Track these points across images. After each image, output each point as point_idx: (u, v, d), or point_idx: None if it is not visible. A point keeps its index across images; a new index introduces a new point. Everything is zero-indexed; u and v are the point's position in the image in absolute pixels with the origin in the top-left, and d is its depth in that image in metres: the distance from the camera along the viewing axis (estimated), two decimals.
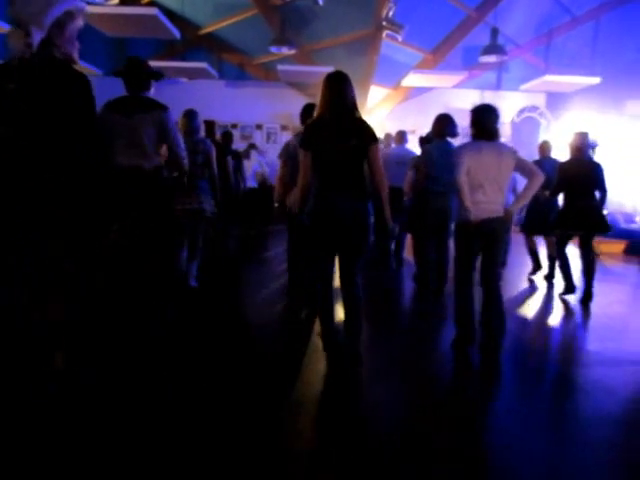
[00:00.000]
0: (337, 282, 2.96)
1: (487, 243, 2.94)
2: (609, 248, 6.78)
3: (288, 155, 3.85)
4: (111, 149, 2.92)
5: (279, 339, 3.33)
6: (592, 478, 1.88)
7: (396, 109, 10.47)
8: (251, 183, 7.80)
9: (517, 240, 5.63)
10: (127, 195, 2.87)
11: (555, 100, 10.02)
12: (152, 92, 3.20)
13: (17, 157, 1.92)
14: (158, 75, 3.24)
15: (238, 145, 8.74)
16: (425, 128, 4.65)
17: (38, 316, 2.04)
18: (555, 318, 3.96)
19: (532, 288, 4.90)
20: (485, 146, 2.91)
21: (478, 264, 3.01)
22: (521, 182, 3.63)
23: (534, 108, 10.14)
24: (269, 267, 5.93)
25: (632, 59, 7.94)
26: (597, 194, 4.30)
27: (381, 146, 6.86)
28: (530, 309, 4.22)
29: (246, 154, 8.10)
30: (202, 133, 4.22)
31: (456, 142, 4.08)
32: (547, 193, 4.54)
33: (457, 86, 9.38)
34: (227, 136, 6.32)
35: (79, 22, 2.00)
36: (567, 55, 8.88)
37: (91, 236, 2.08)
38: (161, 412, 2.21)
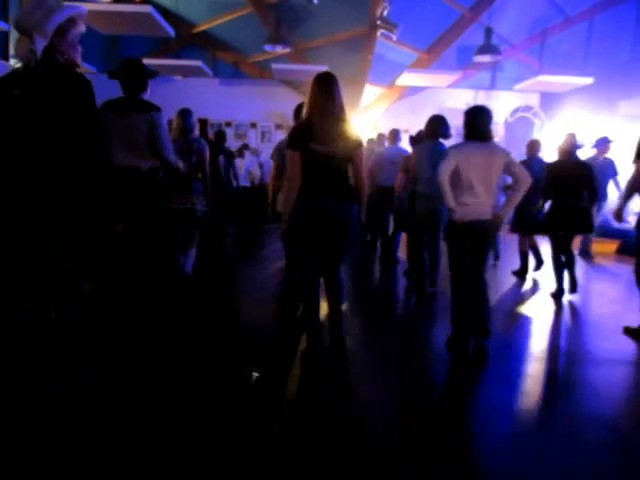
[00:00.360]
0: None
1: (476, 244, 2.96)
2: (602, 248, 6.83)
3: (279, 156, 3.83)
4: (110, 150, 2.93)
5: (275, 336, 3.33)
6: (586, 477, 1.90)
7: (390, 108, 10.48)
8: (244, 182, 7.81)
9: (511, 239, 5.68)
10: (126, 195, 2.89)
11: (549, 100, 10.07)
12: (148, 92, 3.22)
13: (18, 158, 1.97)
14: (154, 74, 3.27)
15: (232, 144, 8.72)
16: (419, 127, 4.66)
17: (38, 315, 2.05)
18: (547, 317, 3.98)
19: (520, 286, 4.96)
20: (477, 147, 2.93)
21: None
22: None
23: (528, 108, 10.19)
24: (264, 265, 5.97)
25: (625, 60, 8.00)
26: (586, 195, 4.33)
27: (374, 146, 6.90)
28: (521, 308, 4.25)
29: (239, 153, 8.10)
30: (197, 132, 4.22)
31: (449, 143, 4.07)
32: (540, 204, 4.58)
33: (451, 86, 9.40)
34: (220, 135, 6.31)
35: (81, 27, 2.07)
36: (560, 55, 8.93)
37: (91, 236, 2.12)
38: (160, 412, 2.21)
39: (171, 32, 6.21)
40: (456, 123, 3.28)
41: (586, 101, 8.49)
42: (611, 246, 7.00)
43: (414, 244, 4.45)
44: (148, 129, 3.05)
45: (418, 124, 4.56)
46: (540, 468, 1.93)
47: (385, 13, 7.24)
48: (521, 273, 5.31)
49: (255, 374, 2.57)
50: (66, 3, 2.08)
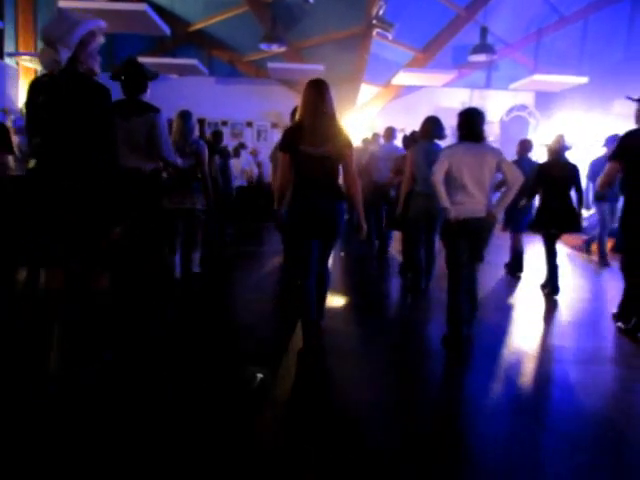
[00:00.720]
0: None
1: (472, 242, 3.07)
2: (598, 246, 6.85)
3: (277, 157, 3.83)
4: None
5: (272, 332, 3.40)
6: (578, 472, 1.92)
7: (386, 107, 10.49)
8: (240, 182, 7.83)
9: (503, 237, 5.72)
10: (129, 196, 2.95)
11: (544, 99, 10.11)
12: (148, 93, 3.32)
13: (41, 165, 2.14)
14: (154, 76, 3.35)
15: (228, 143, 8.70)
16: (415, 127, 4.68)
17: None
18: (536, 316, 4.01)
19: (510, 284, 5.04)
20: (470, 147, 3.02)
21: None
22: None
23: (523, 107, 10.23)
24: (262, 262, 6.04)
25: (619, 59, 8.04)
26: (574, 194, 4.46)
27: (369, 146, 6.93)
28: (512, 306, 4.27)
29: (235, 153, 8.10)
30: (196, 133, 4.31)
31: (444, 143, 4.14)
32: (523, 202, 4.70)
33: (447, 85, 9.43)
34: (217, 135, 6.35)
35: (100, 39, 2.22)
36: (555, 55, 8.97)
37: (96, 237, 2.23)
38: (160, 411, 2.21)
39: (167, 30, 6.19)
40: (452, 123, 3.32)
41: (581, 100, 8.53)
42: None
43: (409, 242, 4.52)
44: (147, 130, 3.12)
45: (414, 123, 4.59)
46: (537, 467, 1.95)
47: (381, 12, 7.24)
48: (515, 270, 5.34)
49: (260, 375, 2.59)
50: (82, 14, 2.24)
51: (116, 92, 3.08)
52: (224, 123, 10.43)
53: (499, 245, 5.57)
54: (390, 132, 6.09)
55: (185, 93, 9.30)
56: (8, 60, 8.92)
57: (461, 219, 2.97)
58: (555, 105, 9.57)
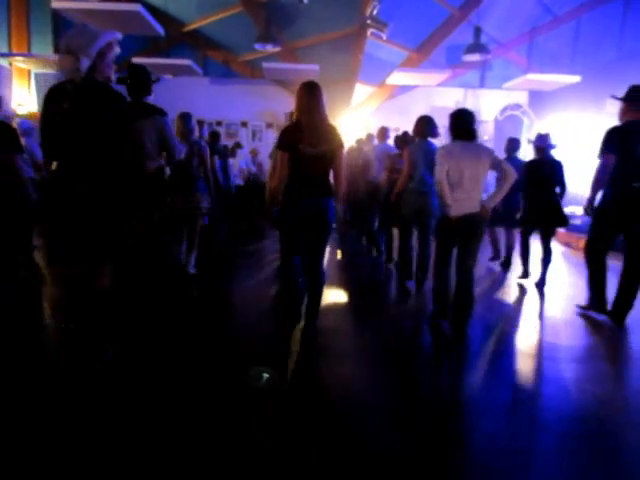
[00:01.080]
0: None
1: (466, 236, 3.21)
2: None
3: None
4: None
5: (269, 324, 3.50)
6: (573, 471, 1.94)
7: (381, 107, 10.52)
8: (237, 181, 7.87)
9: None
10: (136, 195, 3.08)
11: (538, 98, 10.17)
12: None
13: (65, 167, 2.30)
14: (157, 79, 3.56)
15: (223, 143, 8.71)
16: (409, 126, 4.70)
17: None
18: (529, 314, 4.03)
19: (504, 281, 5.14)
20: (464, 146, 3.15)
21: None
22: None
23: (517, 106, 10.28)
24: (260, 256, 6.17)
25: (611, 58, 8.09)
26: (558, 190, 4.67)
27: (363, 145, 6.98)
28: (507, 304, 4.30)
29: (232, 152, 8.12)
30: (196, 134, 4.49)
31: (437, 142, 4.26)
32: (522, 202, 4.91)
33: (441, 84, 9.46)
34: (215, 136, 6.40)
35: (116, 49, 2.39)
36: (549, 54, 9.02)
37: (116, 236, 2.42)
38: (159, 411, 2.22)
39: (160, 31, 6.18)
40: (446, 122, 3.36)
41: (574, 99, 8.58)
42: None
43: (403, 238, 4.70)
44: (157, 133, 3.35)
45: (408, 123, 4.63)
46: (533, 466, 1.96)
47: (375, 12, 7.25)
48: (505, 264, 5.56)
49: (266, 375, 2.61)
50: (98, 27, 2.39)
51: None
52: (219, 123, 10.43)
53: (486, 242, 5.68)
54: (383, 132, 6.14)
55: (180, 93, 9.28)
56: (1, 60, 8.89)
57: (460, 215, 3.11)
58: (549, 104, 9.62)
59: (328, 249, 3.93)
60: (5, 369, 2.58)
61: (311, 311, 3.15)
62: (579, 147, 7.71)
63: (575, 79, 7.88)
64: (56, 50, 8.94)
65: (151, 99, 3.54)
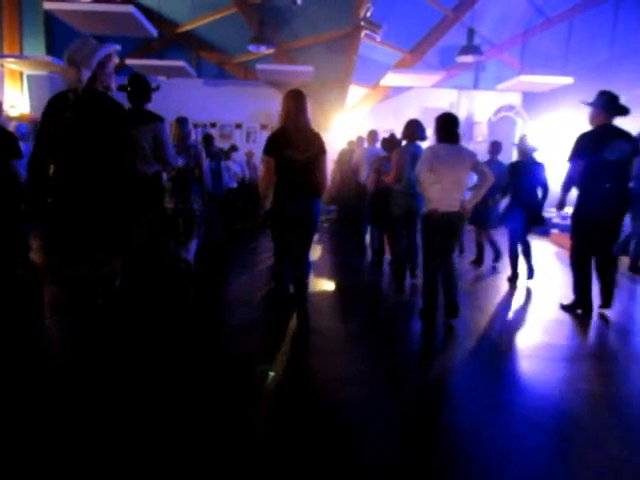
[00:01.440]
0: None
1: (447, 233, 3.41)
2: None
3: None
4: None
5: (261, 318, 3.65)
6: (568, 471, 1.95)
7: (375, 108, 10.54)
8: (232, 183, 7.88)
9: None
10: (135, 198, 3.24)
11: (531, 99, 10.22)
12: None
13: (67, 172, 2.43)
14: (156, 87, 3.74)
15: (218, 144, 8.70)
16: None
17: None
18: (521, 313, 4.05)
19: (480, 274, 5.36)
20: (448, 149, 3.36)
21: None
22: None
23: (510, 107, 10.32)
24: (255, 256, 6.28)
25: (603, 59, 8.15)
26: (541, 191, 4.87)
27: (354, 147, 7.06)
28: (500, 304, 4.31)
29: (226, 156, 8.11)
30: (193, 137, 4.64)
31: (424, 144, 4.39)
32: (497, 197, 5.14)
33: (435, 85, 9.49)
34: (207, 138, 6.39)
35: (116, 60, 2.54)
36: (542, 55, 9.07)
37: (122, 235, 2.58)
38: (157, 408, 2.21)
39: (153, 32, 6.15)
40: None
41: (567, 100, 8.62)
42: None
43: (393, 237, 4.90)
44: (153, 138, 3.49)
45: (403, 124, 4.65)
46: (527, 466, 1.96)
47: (369, 14, 7.28)
48: (477, 261, 5.81)
49: (272, 373, 2.63)
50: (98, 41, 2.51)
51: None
52: (213, 125, 10.41)
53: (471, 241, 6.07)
54: (373, 135, 6.29)
55: (173, 95, 9.25)
56: None
57: (440, 212, 3.31)
58: (542, 105, 9.67)
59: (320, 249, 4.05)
60: (6, 366, 2.57)
61: (300, 294, 3.41)
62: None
63: (568, 80, 7.92)
64: (48, 51, 8.91)
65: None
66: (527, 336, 3.45)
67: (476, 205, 5.01)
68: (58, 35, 8.95)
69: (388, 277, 5.18)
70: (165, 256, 4.34)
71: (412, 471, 1.88)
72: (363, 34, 7.66)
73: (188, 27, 9.02)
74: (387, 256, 5.47)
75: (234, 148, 8.99)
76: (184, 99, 9.68)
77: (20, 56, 8.52)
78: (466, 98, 10.64)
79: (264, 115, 10.49)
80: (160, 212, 3.85)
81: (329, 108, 9.97)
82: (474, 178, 3.74)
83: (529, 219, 4.80)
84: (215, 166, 6.11)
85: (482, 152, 5.93)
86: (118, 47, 2.56)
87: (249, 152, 9.77)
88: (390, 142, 5.06)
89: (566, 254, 5.50)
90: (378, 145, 6.02)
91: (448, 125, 3.39)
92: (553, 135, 8.89)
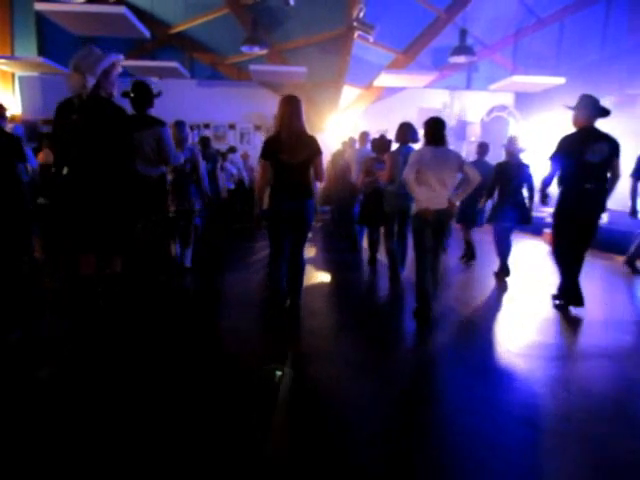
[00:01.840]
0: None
1: (435, 230, 3.58)
2: None
3: None
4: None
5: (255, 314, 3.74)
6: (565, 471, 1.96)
7: (369, 109, 10.56)
8: (230, 185, 7.91)
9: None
10: (144, 198, 3.52)
11: (523, 99, 10.28)
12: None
13: (76, 170, 2.56)
14: (158, 94, 3.97)
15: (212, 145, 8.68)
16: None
17: None
18: (514, 313, 4.07)
19: (467, 272, 5.44)
20: (435, 151, 3.53)
21: None
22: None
23: (503, 107, 10.37)
24: (252, 254, 6.35)
25: (594, 60, 8.21)
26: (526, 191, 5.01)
27: (347, 147, 7.11)
28: (492, 304, 4.34)
29: (224, 157, 8.11)
30: (190, 140, 4.80)
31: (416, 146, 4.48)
32: (482, 200, 5.31)
33: (428, 86, 9.52)
34: (204, 141, 6.39)
35: (119, 69, 2.72)
36: (534, 56, 9.12)
37: (123, 230, 2.73)
38: (155, 407, 2.20)
39: (146, 33, 6.13)
40: None
41: (559, 100, 8.66)
42: None
43: (386, 235, 5.01)
44: (156, 142, 3.72)
45: (396, 124, 4.69)
46: (524, 465, 1.98)
47: (361, 14, 7.29)
48: (469, 258, 5.91)
49: (279, 373, 2.66)
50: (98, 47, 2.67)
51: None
52: (206, 126, 10.39)
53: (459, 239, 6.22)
54: (364, 137, 6.35)
55: (167, 96, 9.19)
56: None
57: (431, 211, 3.49)
58: (534, 105, 9.73)
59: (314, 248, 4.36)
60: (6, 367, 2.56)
61: (294, 291, 3.59)
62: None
63: (560, 81, 7.97)
64: (40, 52, 8.86)
65: None
66: (517, 334, 3.46)
67: (465, 205, 5.19)
68: (49, 36, 8.89)
69: (380, 274, 5.26)
70: (167, 257, 4.53)
71: (407, 471, 1.89)
72: (356, 35, 7.67)
73: (181, 28, 8.99)
74: (378, 255, 5.56)
75: (232, 149, 8.99)
76: (177, 100, 9.65)
77: (11, 57, 8.45)
78: (459, 98, 10.68)
79: (258, 116, 10.48)
80: (164, 214, 4.10)
81: (323, 109, 9.98)
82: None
83: (515, 218, 4.93)
84: (211, 168, 6.14)
85: (475, 152, 5.98)
86: (121, 56, 2.74)
87: (244, 154, 9.76)
88: (380, 143, 5.14)
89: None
90: (369, 146, 6.06)
91: (435, 128, 3.57)
92: (545, 135, 8.95)
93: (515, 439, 2.12)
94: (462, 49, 7.52)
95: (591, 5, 8.19)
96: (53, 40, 8.85)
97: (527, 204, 4.99)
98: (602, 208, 3.86)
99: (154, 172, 3.77)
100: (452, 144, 4.61)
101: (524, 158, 5.19)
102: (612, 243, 6.60)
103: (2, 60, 8.11)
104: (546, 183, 4.04)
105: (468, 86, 10.58)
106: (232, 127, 10.58)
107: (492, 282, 4.99)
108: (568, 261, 3.97)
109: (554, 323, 3.75)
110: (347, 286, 4.87)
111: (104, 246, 2.68)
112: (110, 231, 2.65)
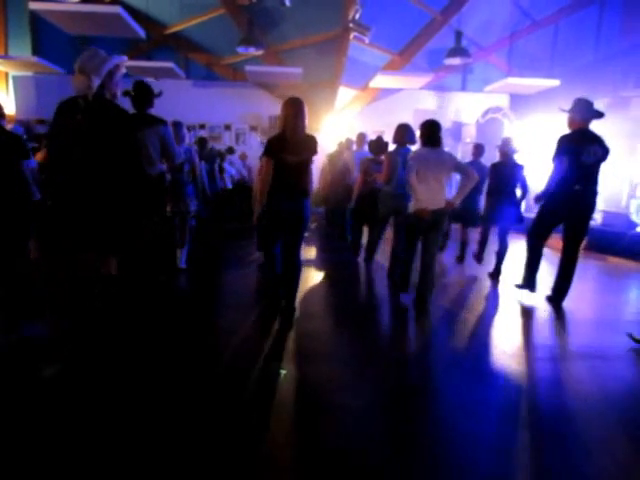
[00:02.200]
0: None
1: (430, 228, 3.71)
2: None
3: None
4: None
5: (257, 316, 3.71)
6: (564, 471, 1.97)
7: (365, 110, 10.57)
8: (228, 184, 7.92)
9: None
10: (141, 196, 3.46)
11: (518, 101, 10.32)
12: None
13: (80, 170, 2.58)
14: (159, 94, 4.00)
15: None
16: (393, 129, 4.76)
17: None
18: (510, 314, 4.09)
19: (481, 282, 5.18)
20: (431, 152, 3.66)
21: None
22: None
23: (498, 109, 10.41)
24: (248, 252, 6.34)
25: (588, 62, 8.27)
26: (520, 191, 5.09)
27: (344, 149, 7.13)
28: (487, 305, 4.35)
29: (223, 157, 8.12)
30: (187, 140, 4.84)
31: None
32: (480, 198, 5.38)
33: (424, 87, 9.55)
34: (201, 142, 6.40)
35: (122, 70, 2.76)
36: (528, 58, 9.18)
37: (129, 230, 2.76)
38: (153, 406, 2.20)
39: (141, 33, 6.13)
40: None
41: (553, 102, 8.72)
42: None
43: (378, 236, 5.20)
44: (158, 140, 3.78)
45: (392, 126, 4.72)
46: (523, 466, 1.98)
47: (357, 16, 7.30)
48: (460, 259, 5.98)
49: (283, 371, 2.68)
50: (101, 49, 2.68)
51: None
52: (202, 126, 10.37)
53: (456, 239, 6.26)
54: (362, 138, 6.35)
55: (162, 96, 9.19)
56: None
57: (429, 210, 3.60)
58: (529, 107, 9.78)
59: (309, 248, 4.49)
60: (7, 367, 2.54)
61: (290, 292, 3.63)
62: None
63: (554, 83, 8.02)
64: (34, 52, 8.82)
65: None
66: (511, 335, 3.48)
67: (463, 205, 5.04)
68: (44, 36, 8.86)
69: (375, 272, 5.33)
70: (167, 257, 4.56)
71: (400, 468, 1.89)
72: (352, 36, 7.68)
73: (176, 28, 8.99)
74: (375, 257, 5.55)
75: (231, 150, 9.00)
76: (173, 100, 9.61)
77: (5, 56, 8.41)
78: (454, 100, 10.72)
79: (253, 116, 10.48)
80: (163, 214, 4.13)
81: (318, 109, 9.98)
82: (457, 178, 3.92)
83: (509, 218, 5.01)
84: (209, 168, 6.16)
85: (470, 153, 6.02)
86: (125, 58, 2.78)
87: (243, 154, 9.81)
88: (377, 144, 5.16)
89: (556, 256, 5.58)
90: (367, 148, 6.08)
91: (431, 130, 3.68)
92: (540, 136, 9.00)
93: (510, 440, 2.13)
94: (457, 51, 7.55)
95: (585, 8, 8.25)
96: (47, 40, 8.83)
97: (520, 204, 5.08)
98: (592, 209, 3.90)
99: (153, 171, 3.79)
100: (447, 145, 4.64)
101: (518, 159, 5.23)
102: (605, 244, 6.64)
103: None
104: (553, 183, 3.94)
105: (463, 88, 10.62)
106: (228, 128, 10.57)
107: (487, 283, 5.01)
108: (539, 250, 4.14)
109: (548, 324, 3.76)
110: (343, 286, 4.86)
111: (105, 246, 2.69)
112: (113, 231, 2.66)
